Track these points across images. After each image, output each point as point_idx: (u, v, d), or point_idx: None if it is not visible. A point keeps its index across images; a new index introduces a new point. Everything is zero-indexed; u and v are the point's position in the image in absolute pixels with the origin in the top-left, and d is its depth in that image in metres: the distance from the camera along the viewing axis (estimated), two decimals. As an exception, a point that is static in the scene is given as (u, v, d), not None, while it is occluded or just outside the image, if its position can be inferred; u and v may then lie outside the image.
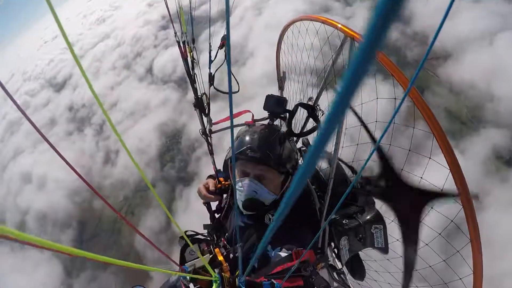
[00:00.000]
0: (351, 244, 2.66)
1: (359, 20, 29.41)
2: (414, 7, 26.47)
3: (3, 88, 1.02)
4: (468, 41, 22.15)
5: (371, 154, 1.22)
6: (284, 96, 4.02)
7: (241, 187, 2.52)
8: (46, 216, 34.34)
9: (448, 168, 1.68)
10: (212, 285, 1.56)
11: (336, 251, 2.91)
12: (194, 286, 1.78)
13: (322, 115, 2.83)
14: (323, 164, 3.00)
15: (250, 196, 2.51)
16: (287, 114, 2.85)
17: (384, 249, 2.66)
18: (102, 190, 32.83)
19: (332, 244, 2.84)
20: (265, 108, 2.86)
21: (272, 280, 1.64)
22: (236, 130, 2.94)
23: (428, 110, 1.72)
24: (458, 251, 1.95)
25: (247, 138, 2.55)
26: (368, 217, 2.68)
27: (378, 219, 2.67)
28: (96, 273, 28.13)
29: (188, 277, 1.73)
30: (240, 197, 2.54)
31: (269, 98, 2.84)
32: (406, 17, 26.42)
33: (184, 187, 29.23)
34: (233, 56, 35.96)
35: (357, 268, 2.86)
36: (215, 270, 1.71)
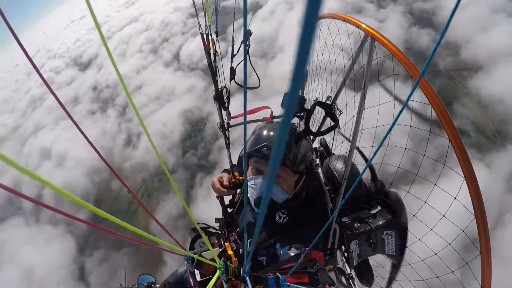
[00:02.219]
0: (361, 249, 2.63)
1: (392, 23, 29.04)
2: (447, 16, 25.89)
3: (33, 64, 1.03)
4: (500, 55, 21.73)
5: (372, 158, 1.19)
6: (304, 95, 3.98)
7: (254, 184, 2.48)
8: (63, 193, 34.97)
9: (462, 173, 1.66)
10: (217, 273, 1.56)
11: (346, 255, 2.89)
12: (199, 273, 1.79)
13: (340, 114, 2.77)
14: (338, 165, 2.97)
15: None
16: (305, 112, 2.80)
17: (395, 257, 2.63)
18: (121, 172, 33.28)
19: (343, 247, 2.81)
20: (282, 105, 2.78)
21: (277, 273, 1.62)
22: (253, 126, 2.91)
23: (444, 112, 1.69)
24: (467, 263, 1.92)
25: (263, 135, 2.51)
26: (380, 222, 2.64)
27: (390, 224, 2.62)
28: (109, 253, 28.56)
29: (193, 264, 1.72)
30: (252, 195, 2.51)
31: (287, 96, 2.76)
32: (438, 26, 26.03)
33: (205, 175, 29.41)
34: (262, 50, 35.88)
35: (365, 273, 2.83)
36: (221, 258, 1.71)
